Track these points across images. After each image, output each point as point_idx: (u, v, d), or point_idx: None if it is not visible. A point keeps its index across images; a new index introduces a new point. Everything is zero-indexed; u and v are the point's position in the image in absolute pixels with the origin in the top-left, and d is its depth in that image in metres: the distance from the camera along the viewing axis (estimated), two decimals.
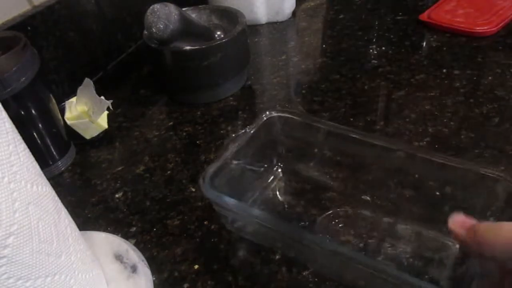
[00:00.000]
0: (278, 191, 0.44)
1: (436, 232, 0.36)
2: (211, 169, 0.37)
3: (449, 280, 0.33)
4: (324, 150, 0.43)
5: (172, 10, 0.49)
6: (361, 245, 0.37)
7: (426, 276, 0.34)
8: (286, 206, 0.42)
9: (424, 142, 0.47)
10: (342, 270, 0.34)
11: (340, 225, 0.39)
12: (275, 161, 0.45)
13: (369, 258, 0.32)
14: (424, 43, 0.67)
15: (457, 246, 0.35)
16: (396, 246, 0.36)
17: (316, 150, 0.43)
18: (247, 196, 0.42)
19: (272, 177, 0.45)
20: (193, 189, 0.45)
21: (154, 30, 0.50)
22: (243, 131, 0.41)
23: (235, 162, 0.40)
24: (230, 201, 0.34)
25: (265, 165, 0.45)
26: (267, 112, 0.42)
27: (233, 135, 0.40)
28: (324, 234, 0.39)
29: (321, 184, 0.43)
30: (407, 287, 0.27)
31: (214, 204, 0.37)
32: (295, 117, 0.42)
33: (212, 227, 0.41)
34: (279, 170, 0.45)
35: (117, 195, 0.46)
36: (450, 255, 0.35)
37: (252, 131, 0.41)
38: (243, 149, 0.40)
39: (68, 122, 0.51)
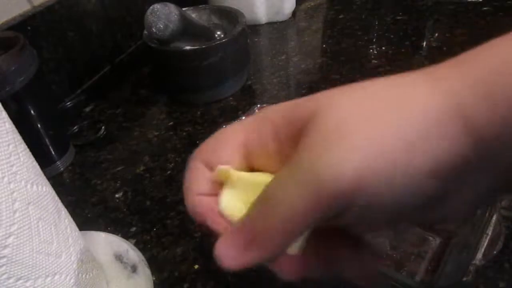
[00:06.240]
0: None
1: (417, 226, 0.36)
2: None
3: (426, 273, 0.33)
4: None
5: (172, 10, 0.49)
6: None
7: (405, 269, 0.34)
8: None
9: None
10: None
11: None
12: None
13: None
14: (424, 43, 0.67)
15: (437, 241, 0.35)
16: (376, 238, 0.36)
17: None
18: None
19: None
20: None
21: (154, 30, 0.50)
22: (233, 122, 0.41)
23: None
24: None
25: None
26: (258, 105, 0.42)
27: (224, 126, 0.41)
28: None
29: None
30: (384, 278, 0.27)
31: None
32: None
33: None
34: None
35: (117, 195, 0.46)
36: (429, 249, 0.35)
37: None
38: None
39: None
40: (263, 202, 0.18)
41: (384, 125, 0.15)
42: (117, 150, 0.53)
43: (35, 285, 0.24)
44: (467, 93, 0.15)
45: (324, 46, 0.70)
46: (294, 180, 0.16)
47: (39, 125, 0.46)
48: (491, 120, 0.14)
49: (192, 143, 0.52)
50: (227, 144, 0.21)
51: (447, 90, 0.15)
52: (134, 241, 0.40)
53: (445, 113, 0.15)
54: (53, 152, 0.49)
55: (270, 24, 0.78)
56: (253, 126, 0.21)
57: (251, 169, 0.21)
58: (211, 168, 0.21)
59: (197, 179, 0.21)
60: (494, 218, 0.29)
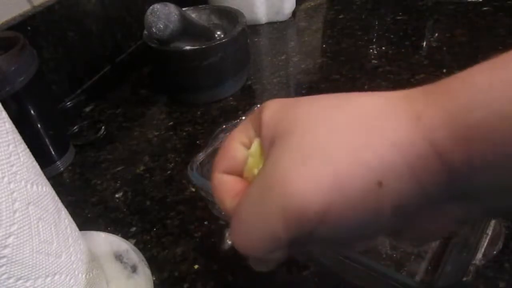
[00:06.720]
0: None
1: None
2: (199, 157, 0.37)
3: (426, 273, 0.33)
4: None
5: (172, 10, 0.49)
6: None
7: (405, 269, 0.34)
8: None
9: None
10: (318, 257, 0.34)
11: None
12: None
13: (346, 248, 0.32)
14: (424, 43, 0.67)
15: (437, 241, 0.35)
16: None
17: None
18: None
19: None
20: (193, 189, 0.45)
21: (154, 30, 0.50)
22: (234, 121, 0.41)
23: None
24: None
25: None
26: (258, 105, 0.42)
27: (224, 126, 0.40)
28: None
29: None
30: (384, 278, 0.27)
31: (201, 192, 0.37)
32: None
33: (212, 227, 0.41)
34: None
35: (117, 195, 0.46)
36: (429, 249, 0.35)
37: None
38: None
39: None
40: (238, 222, 0.19)
41: (354, 164, 0.16)
42: (117, 150, 0.53)
43: (35, 285, 0.24)
44: (442, 130, 0.15)
45: (324, 46, 0.70)
46: (265, 208, 0.17)
47: (39, 125, 0.46)
48: (462, 159, 0.15)
49: (192, 143, 0.52)
50: (236, 148, 0.22)
51: (423, 126, 0.15)
52: (134, 241, 0.40)
53: (416, 152, 0.15)
54: (53, 152, 0.49)
55: (270, 24, 0.78)
56: (244, 127, 0.22)
57: None
58: (232, 173, 0.22)
59: (225, 186, 0.22)
60: None
